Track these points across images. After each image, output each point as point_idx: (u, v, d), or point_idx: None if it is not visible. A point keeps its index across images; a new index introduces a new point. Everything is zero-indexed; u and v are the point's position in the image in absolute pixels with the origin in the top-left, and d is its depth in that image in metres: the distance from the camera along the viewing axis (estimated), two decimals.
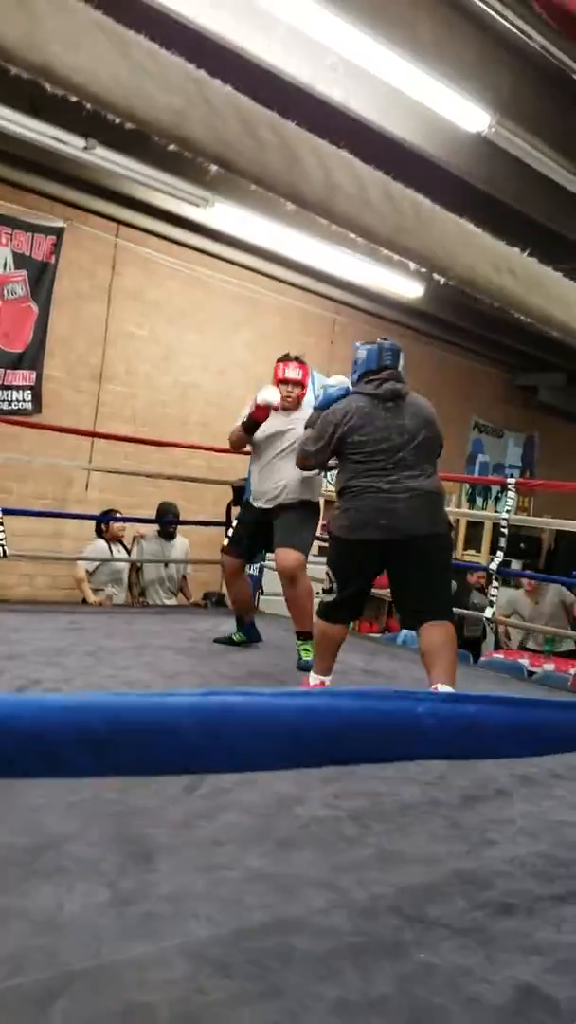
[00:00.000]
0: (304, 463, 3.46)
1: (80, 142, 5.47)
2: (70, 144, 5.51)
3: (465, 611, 5.94)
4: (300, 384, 4.18)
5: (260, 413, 4.03)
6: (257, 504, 4.18)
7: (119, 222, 7.07)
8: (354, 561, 3.20)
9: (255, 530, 4.19)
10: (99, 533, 6.40)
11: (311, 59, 4.26)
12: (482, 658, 6.67)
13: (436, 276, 0.51)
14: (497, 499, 10.47)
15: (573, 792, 2.46)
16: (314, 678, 3.44)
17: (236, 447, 4.36)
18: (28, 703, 0.48)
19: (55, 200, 6.68)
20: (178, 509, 6.61)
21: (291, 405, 4.11)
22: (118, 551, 6.39)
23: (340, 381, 3.45)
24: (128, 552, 6.49)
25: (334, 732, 0.49)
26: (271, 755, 0.49)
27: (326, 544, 3.81)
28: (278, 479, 4.08)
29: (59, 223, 6.75)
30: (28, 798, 1.93)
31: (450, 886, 1.71)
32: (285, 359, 4.24)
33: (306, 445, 3.38)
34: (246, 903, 1.53)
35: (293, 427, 4.01)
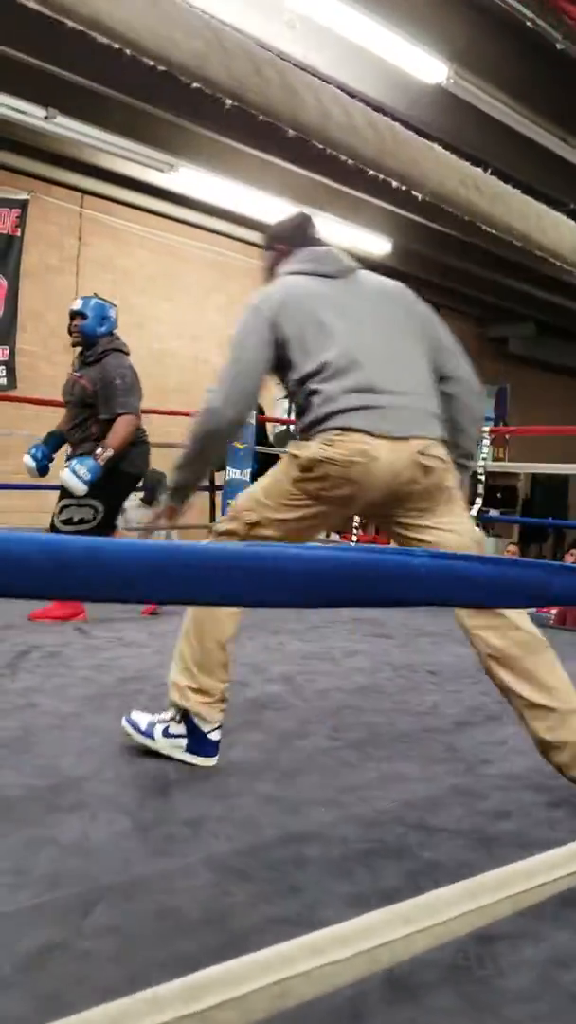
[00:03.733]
0: None
1: (40, 112, 5.44)
2: (30, 114, 5.48)
3: None
4: None
5: None
6: None
7: (84, 192, 7.04)
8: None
9: None
10: None
11: (268, 16, 4.26)
12: None
13: (414, 193, 0.59)
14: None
15: None
16: None
17: None
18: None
19: (18, 173, 6.64)
20: (163, 476, 6.66)
21: None
22: None
23: None
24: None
25: (343, 576, 0.58)
26: (288, 594, 0.57)
27: None
28: None
29: (23, 195, 6.72)
30: (42, 746, 2.02)
31: (450, 799, 1.82)
32: None
33: None
34: (260, 822, 1.63)
35: None
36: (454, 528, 1.81)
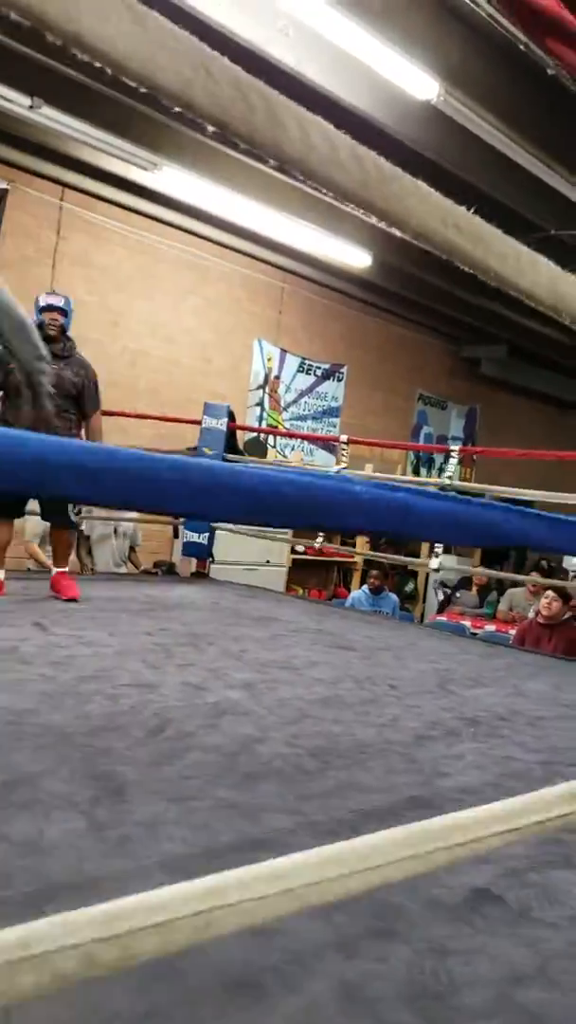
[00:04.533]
0: None
1: (25, 100, 5.39)
2: (15, 102, 5.42)
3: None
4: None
5: None
6: None
7: (65, 185, 6.98)
8: None
9: None
10: None
11: (263, 22, 4.27)
12: (427, 620, 6.86)
13: (394, 230, 0.59)
14: (441, 469, 10.66)
15: (517, 732, 2.60)
16: None
17: None
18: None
19: None
20: None
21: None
22: None
23: None
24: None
25: (286, 497, 0.57)
26: (237, 509, 0.57)
27: None
28: None
29: (3, 184, 6.64)
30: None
31: (407, 810, 1.81)
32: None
33: None
34: (216, 827, 1.61)
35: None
36: None
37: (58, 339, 4.10)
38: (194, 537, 6.35)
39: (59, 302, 4.19)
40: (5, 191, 6.67)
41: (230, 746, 2.14)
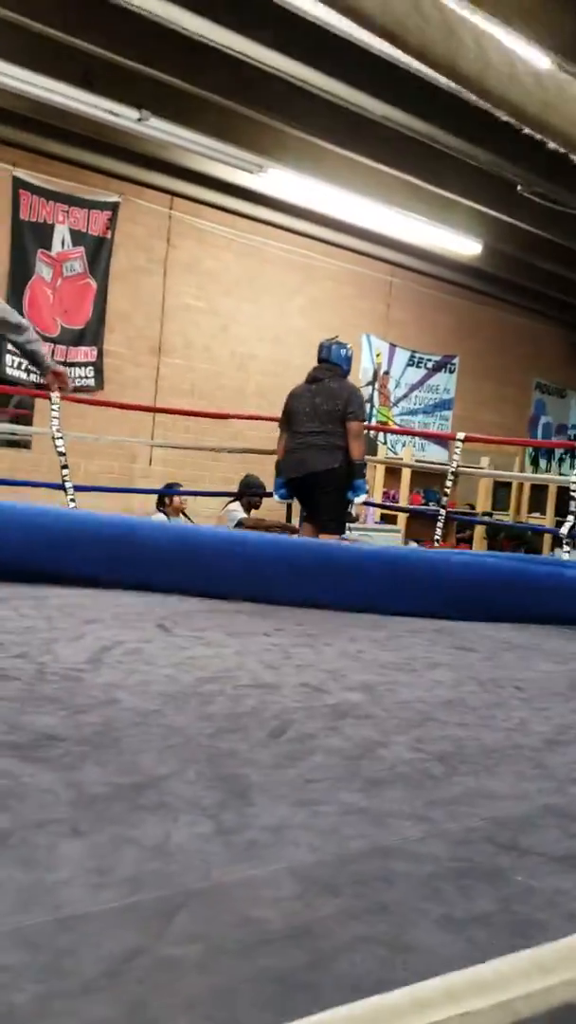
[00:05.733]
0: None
1: (134, 114, 5.51)
2: (123, 116, 5.56)
3: None
4: None
5: None
6: None
7: (173, 194, 7.12)
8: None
9: None
10: (160, 506, 6.51)
11: None
12: None
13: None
14: (561, 460, 10.32)
15: None
16: None
17: None
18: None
19: (109, 175, 6.76)
20: (261, 481, 6.66)
21: None
22: (179, 523, 6.48)
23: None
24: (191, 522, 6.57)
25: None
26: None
27: None
28: None
29: (114, 198, 6.83)
30: (124, 743, 2.01)
31: (542, 819, 1.74)
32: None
33: None
34: (344, 833, 1.58)
35: None
36: None
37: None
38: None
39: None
40: (116, 204, 6.85)
41: (352, 749, 2.11)
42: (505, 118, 0.53)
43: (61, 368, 4.25)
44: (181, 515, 6.55)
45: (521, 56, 0.47)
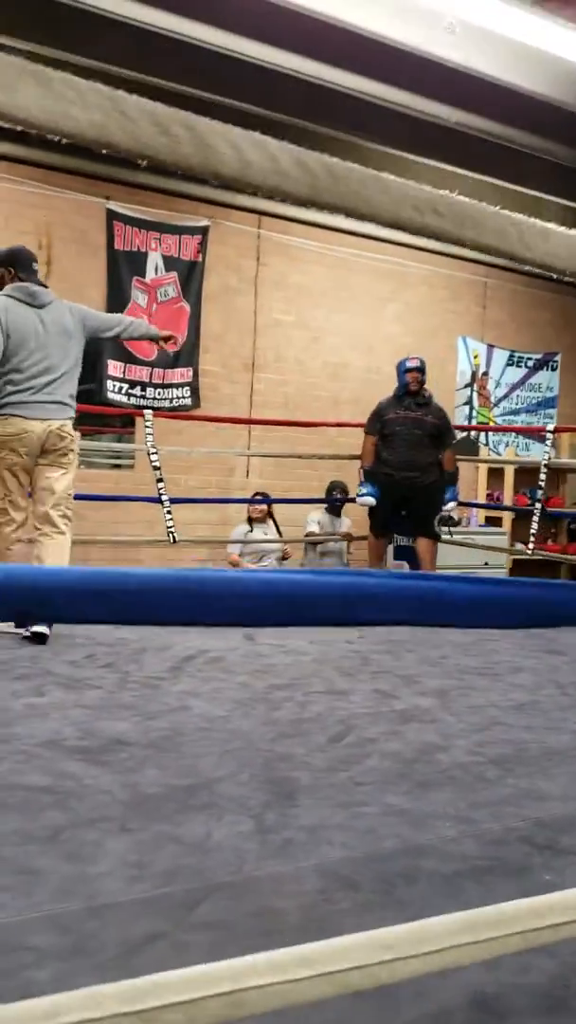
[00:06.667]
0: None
1: None
2: None
3: None
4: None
5: None
6: None
7: (260, 213, 7.27)
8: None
9: None
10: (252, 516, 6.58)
11: (427, 23, 4.24)
12: None
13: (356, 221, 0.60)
14: None
15: None
16: None
17: None
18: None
19: (198, 200, 6.97)
20: (347, 486, 6.70)
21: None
22: (266, 531, 6.53)
23: None
24: (279, 531, 6.59)
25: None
26: (253, 613, 0.59)
27: None
28: None
29: (204, 222, 7.04)
30: (187, 747, 2.12)
31: None
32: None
33: None
34: (380, 833, 1.63)
35: None
36: None
37: (419, 392, 5.38)
38: (405, 541, 6.37)
39: (418, 363, 5.43)
40: (207, 227, 7.07)
41: (409, 753, 2.14)
42: None
43: (167, 332, 4.26)
44: (269, 520, 6.53)
45: (286, 148, 0.53)
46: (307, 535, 6.62)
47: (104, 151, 0.49)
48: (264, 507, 6.51)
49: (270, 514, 6.52)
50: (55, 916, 1.26)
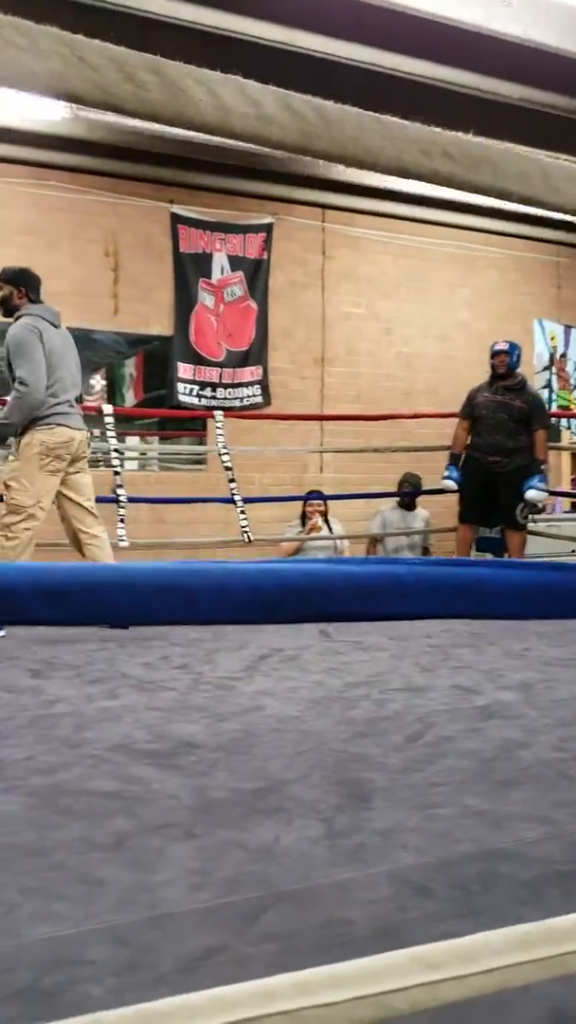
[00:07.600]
0: None
1: None
2: None
3: None
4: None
5: None
6: None
7: (324, 207, 7.20)
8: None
9: None
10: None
11: (480, 1, 4.11)
12: None
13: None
14: None
15: None
16: None
17: None
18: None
19: (262, 198, 6.94)
20: (419, 479, 6.55)
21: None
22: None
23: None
24: (329, 527, 6.32)
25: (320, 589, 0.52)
26: (252, 609, 0.53)
27: None
28: None
29: (268, 219, 7.01)
30: (258, 749, 2.07)
31: None
32: None
33: None
34: (455, 836, 1.55)
35: None
36: None
37: (507, 375, 5.28)
38: (490, 532, 6.20)
39: (504, 347, 5.33)
40: (271, 225, 7.03)
41: (489, 751, 2.05)
42: None
43: None
44: (318, 517, 6.20)
45: (270, 91, 0.47)
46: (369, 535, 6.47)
47: (67, 102, 0.44)
48: (319, 505, 6.24)
49: (324, 513, 6.25)
50: (114, 928, 1.22)
